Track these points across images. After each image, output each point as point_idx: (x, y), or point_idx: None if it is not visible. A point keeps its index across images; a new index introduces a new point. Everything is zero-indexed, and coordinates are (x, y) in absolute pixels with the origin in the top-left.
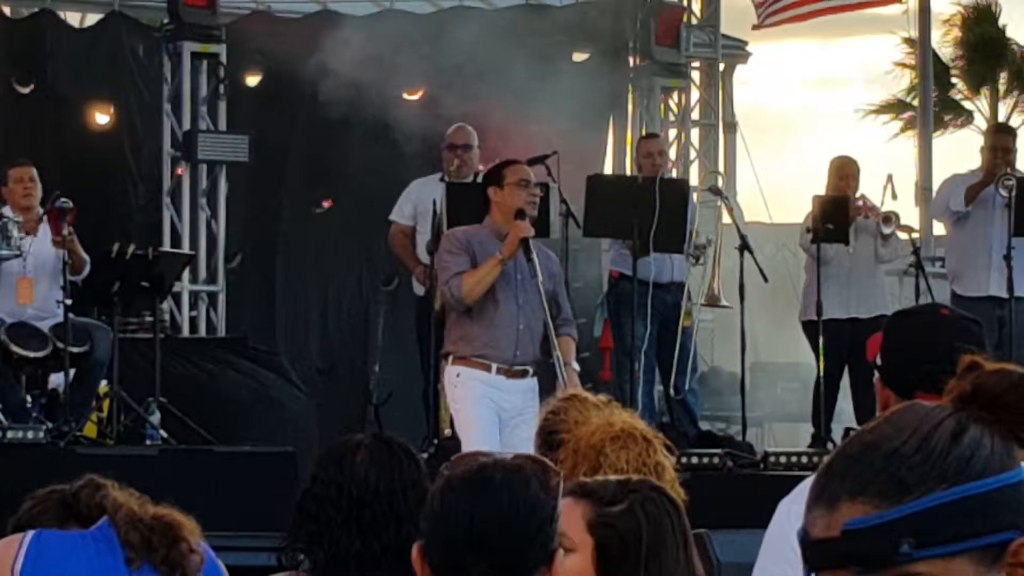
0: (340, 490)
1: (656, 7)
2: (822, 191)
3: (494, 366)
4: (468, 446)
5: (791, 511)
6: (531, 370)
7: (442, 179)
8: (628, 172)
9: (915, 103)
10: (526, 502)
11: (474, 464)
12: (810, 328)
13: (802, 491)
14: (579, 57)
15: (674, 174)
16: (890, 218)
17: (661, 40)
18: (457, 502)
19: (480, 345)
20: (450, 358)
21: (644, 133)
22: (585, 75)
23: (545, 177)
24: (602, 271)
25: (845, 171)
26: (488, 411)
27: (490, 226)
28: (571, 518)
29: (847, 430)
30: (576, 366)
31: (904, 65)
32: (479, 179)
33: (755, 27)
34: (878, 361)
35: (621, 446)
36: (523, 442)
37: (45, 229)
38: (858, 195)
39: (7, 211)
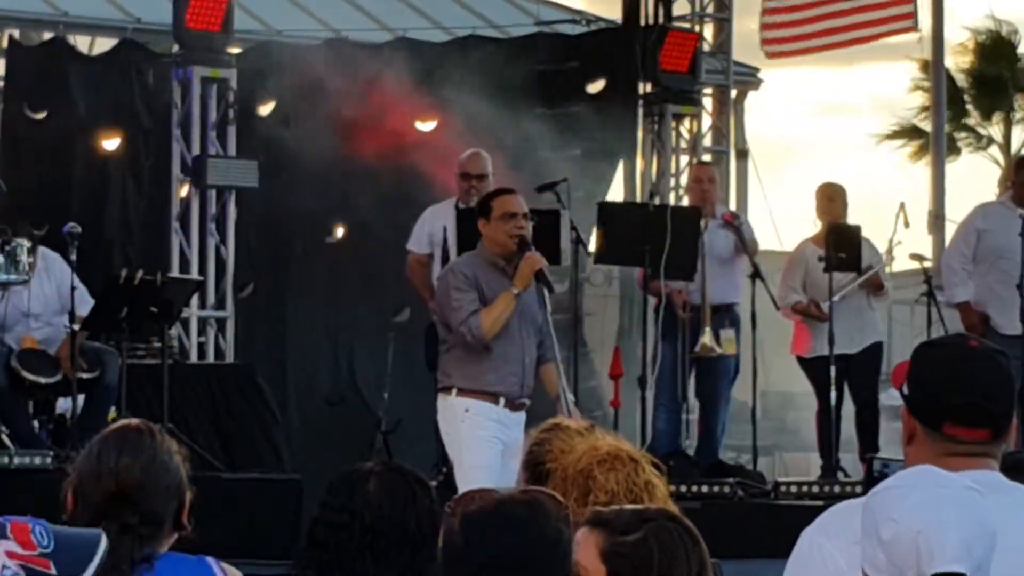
0: (352, 517)
1: (663, 32)
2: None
3: (502, 399)
4: (469, 487)
5: (814, 541)
6: (528, 403)
7: (456, 205)
8: (639, 199)
9: (928, 128)
10: (548, 535)
11: (490, 499)
12: (805, 365)
13: (825, 521)
14: (593, 87)
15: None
16: (882, 286)
17: (673, 66)
18: (482, 538)
19: (490, 378)
20: (454, 391)
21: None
22: (597, 102)
23: (555, 204)
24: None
25: (827, 192)
26: (495, 455)
27: (484, 255)
28: (585, 547)
29: (871, 459)
30: (571, 396)
31: (920, 87)
32: None
33: (769, 56)
34: (904, 391)
35: (609, 468)
36: (513, 474)
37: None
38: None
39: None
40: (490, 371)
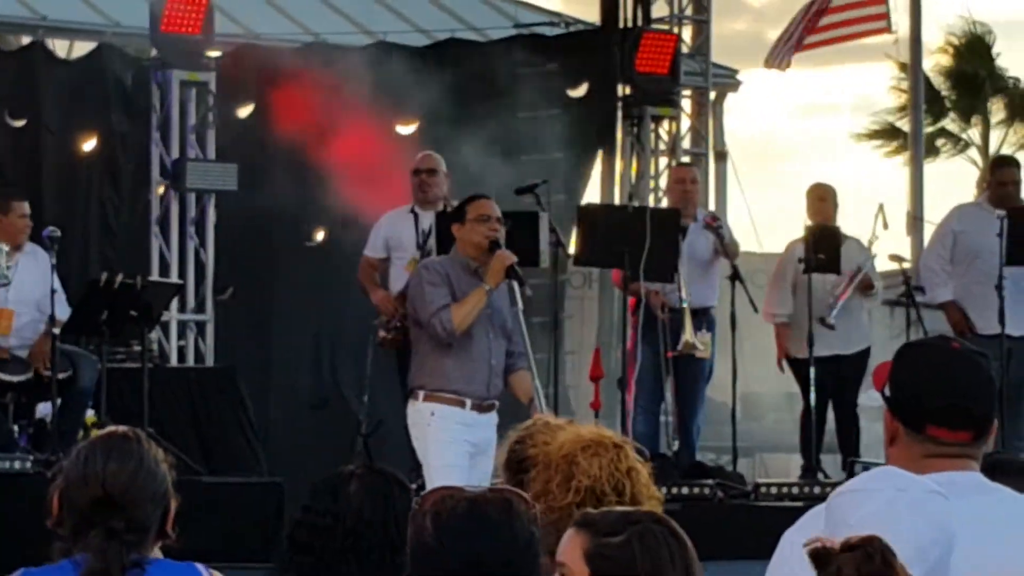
0: (335, 520)
1: (640, 34)
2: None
3: (468, 402)
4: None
5: (795, 542)
6: (498, 404)
7: (411, 210)
8: (618, 201)
9: (906, 129)
10: (521, 537)
11: (462, 500)
12: (794, 365)
13: (806, 523)
14: (574, 92)
15: (664, 203)
16: (872, 285)
17: (652, 68)
18: (455, 540)
19: (456, 379)
20: (421, 394)
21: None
22: (576, 104)
23: (535, 206)
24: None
25: (819, 193)
26: (462, 456)
27: (457, 258)
28: (571, 548)
29: (852, 462)
30: (544, 400)
31: (898, 89)
32: (447, 205)
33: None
34: (886, 392)
35: (592, 453)
36: (483, 474)
37: (28, 261)
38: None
39: None
40: (456, 372)
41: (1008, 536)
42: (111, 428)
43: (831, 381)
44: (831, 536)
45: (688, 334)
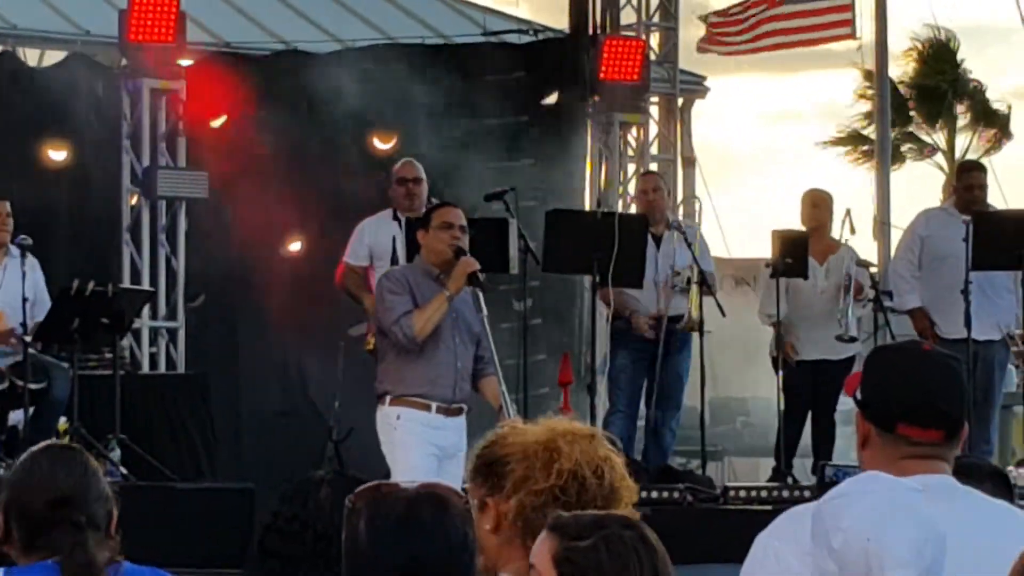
0: (304, 526)
1: (602, 40)
2: (781, 225)
3: (434, 405)
4: None
5: (768, 545)
6: (466, 407)
7: (394, 216)
8: (587, 207)
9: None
10: (457, 536)
11: (397, 502)
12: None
13: (779, 525)
14: (541, 97)
15: (633, 209)
16: (862, 288)
17: (619, 75)
18: (393, 542)
19: (421, 383)
20: (388, 399)
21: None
22: (545, 111)
23: (504, 213)
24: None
25: (815, 199)
26: (428, 458)
27: (421, 266)
28: (541, 551)
29: (823, 465)
30: (513, 405)
31: (864, 96)
32: None
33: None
34: (858, 395)
35: (570, 440)
36: (453, 478)
37: (14, 264)
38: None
39: None
40: (422, 376)
41: (980, 541)
42: (47, 442)
43: (814, 386)
44: (824, 542)
45: (694, 306)
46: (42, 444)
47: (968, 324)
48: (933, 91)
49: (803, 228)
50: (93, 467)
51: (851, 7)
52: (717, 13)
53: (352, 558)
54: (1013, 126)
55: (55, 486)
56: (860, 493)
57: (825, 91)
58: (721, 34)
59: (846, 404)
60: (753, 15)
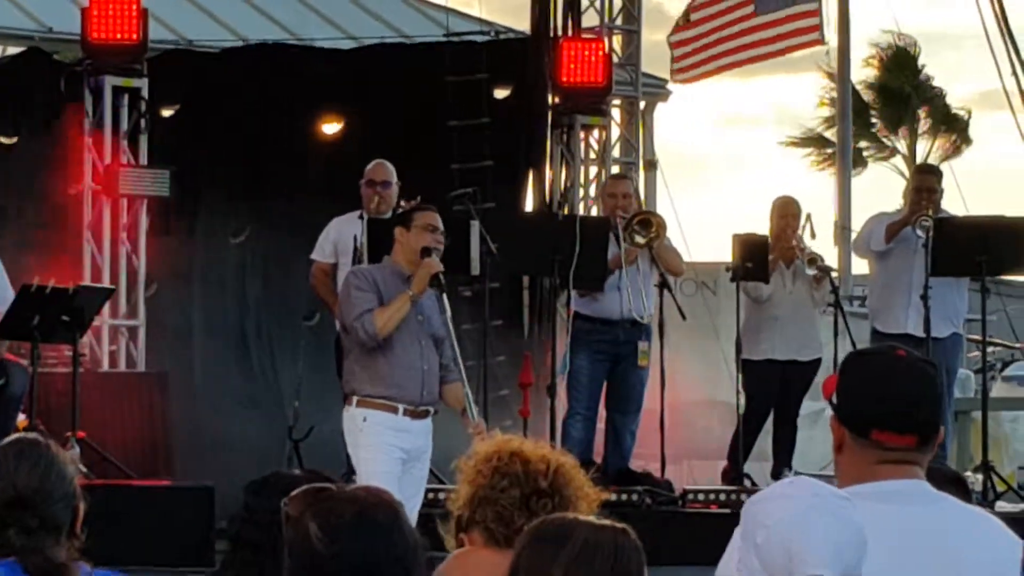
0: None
1: (561, 42)
2: (742, 229)
3: (401, 408)
4: None
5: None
6: (433, 409)
7: (361, 216)
8: (550, 209)
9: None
10: (409, 539)
11: (350, 505)
12: (745, 366)
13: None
14: (500, 93)
15: (595, 211)
16: (815, 259)
17: (582, 77)
18: (347, 546)
19: (389, 385)
20: (355, 400)
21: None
22: (507, 112)
23: (465, 214)
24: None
25: (786, 210)
26: (393, 462)
27: (391, 266)
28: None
29: (783, 471)
30: (476, 408)
31: (825, 102)
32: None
33: (680, 82)
34: (833, 400)
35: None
36: (418, 480)
37: None
38: (796, 236)
39: None
40: (388, 378)
41: (955, 545)
42: (18, 435)
43: (779, 386)
44: (750, 538)
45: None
46: (12, 437)
47: (927, 328)
48: (895, 96)
49: (768, 232)
50: (60, 463)
51: (819, 12)
52: (677, 43)
53: (302, 558)
54: (972, 131)
55: (14, 484)
56: (787, 495)
57: (786, 95)
58: (683, 60)
59: (808, 408)
60: (716, 27)
